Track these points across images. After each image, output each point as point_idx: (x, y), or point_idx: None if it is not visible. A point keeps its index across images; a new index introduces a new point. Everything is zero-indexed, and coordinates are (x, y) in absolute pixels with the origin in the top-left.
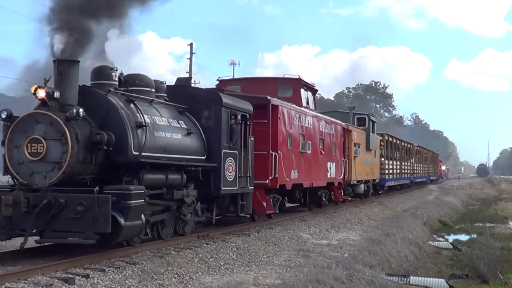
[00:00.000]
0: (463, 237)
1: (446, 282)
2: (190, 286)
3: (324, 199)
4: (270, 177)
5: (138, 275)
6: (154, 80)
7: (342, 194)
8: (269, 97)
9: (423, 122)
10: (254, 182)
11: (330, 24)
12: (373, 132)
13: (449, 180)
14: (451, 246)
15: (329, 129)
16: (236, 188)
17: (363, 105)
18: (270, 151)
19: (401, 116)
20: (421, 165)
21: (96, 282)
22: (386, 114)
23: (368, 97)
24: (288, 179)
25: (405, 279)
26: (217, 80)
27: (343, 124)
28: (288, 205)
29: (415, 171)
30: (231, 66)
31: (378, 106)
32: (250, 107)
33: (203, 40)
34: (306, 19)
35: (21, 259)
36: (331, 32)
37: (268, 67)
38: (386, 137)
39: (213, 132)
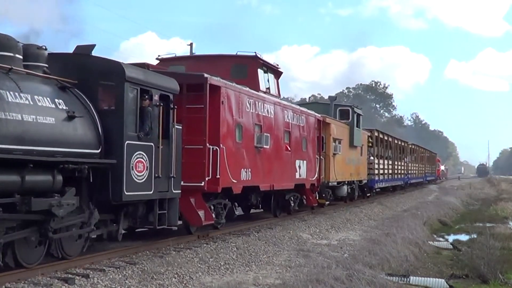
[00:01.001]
0: (463, 237)
1: (446, 282)
2: (190, 286)
3: (293, 204)
4: (207, 178)
5: (138, 275)
6: (28, 45)
7: (318, 197)
8: (206, 75)
9: (423, 122)
10: (184, 184)
11: (329, 24)
12: (358, 126)
13: (448, 181)
14: (451, 246)
15: (299, 120)
16: (150, 192)
17: (363, 105)
18: (208, 145)
19: (401, 116)
20: (417, 165)
21: (96, 282)
22: (386, 114)
23: (368, 97)
24: (235, 181)
25: (405, 279)
26: (157, 59)
27: (318, 115)
28: (257, 211)
29: (409, 171)
30: None
31: (378, 106)
32: (174, 85)
33: (202, 40)
34: (305, 19)
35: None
36: (331, 32)
37: None
38: (376, 133)
39: (113, 116)
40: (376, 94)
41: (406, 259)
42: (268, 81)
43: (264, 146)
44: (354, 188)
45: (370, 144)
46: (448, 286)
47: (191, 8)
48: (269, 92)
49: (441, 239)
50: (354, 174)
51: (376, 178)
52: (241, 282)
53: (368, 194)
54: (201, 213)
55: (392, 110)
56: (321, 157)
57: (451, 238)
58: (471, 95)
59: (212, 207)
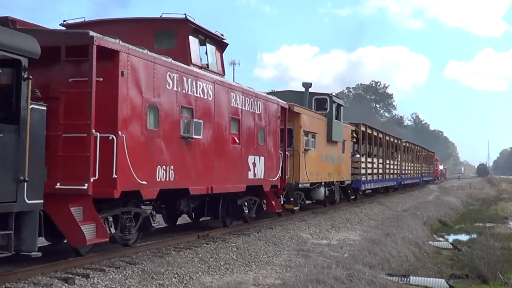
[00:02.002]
0: (463, 237)
1: (446, 282)
2: (190, 286)
3: (247, 211)
4: (92, 179)
5: (138, 275)
6: None
7: (282, 201)
8: (93, 34)
9: (423, 122)
10: (61, 187)
11: (328, 24)
12: (338, 119)
13: (447, 181)
14: (451, 246)
15: (254, 106)
16: None
17: (363, 105)
18: (94, 132)
19: (401, 116)
20: (412, 164)
21: (96, 282)
22: (386, 114)
23: (368, 97)
24: (145, 182)
25: (405, 279)
26: (61, 25)
27: (283, 102)
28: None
29: (403, 171)
30: (231, 66)
31: (378, 106)
32: (28, 45)
33: None
34: (304, 19)
35: (21, 259)
36: (330, 32)
37: (267, 66)
38: (363, 128)
39: None
40: (376, 94)
41: (406, 259)
42: (206, 53)
43: (196, 137)
44: (334, 190)
45: (355, 140)
46: (448, 286)
47: (190, 8)
48: (207, 67)
49: (441, 239)
50: (333, 173)
51: (363, 178)
52: (241, 282)
53: (352, 197)
54: (87, 228)
55: (392, 110)
56: (286, 153)
57: (451, 238)
58: (471, 95)
59: (108, 221)
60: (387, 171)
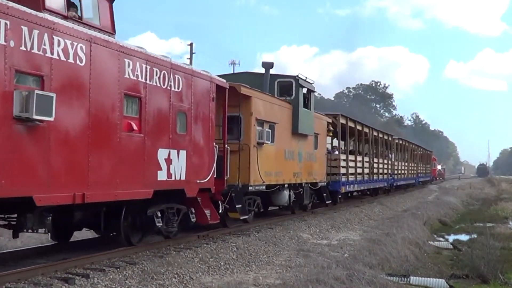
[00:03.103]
0: (463, 237)
1: (446, 282)
2: (190, 286)
3: (161, 224)
4: None
5: (138, 275)
6: None
7: (223, 209)
8: None
9: (423, 122)
10: None
11: (328, 24)
12: (308, 107)
13: (446, 181)
14: (451, 246)
15: (167, 81)
16: None
17: (364, 105)
18: None
19: (401, 116)
20: (406, 164)
21: (96, 282)
22: (386, 114)
23: (368, 97)
24: None
25: (405, 279)
26: None
27: (219, 80)
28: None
29: (396, 171)
30: (231, 66)
31: (378, 106)
32: None
33: (201, 40)
34: (303, 19)
35: (21, 259)
36: (329, 32)
37: None
38: (343, 120)
39: None
40: (376, 94)
41: (406, 259)
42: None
43: (44, 118)
44: (302, 194)
45: (331, 134)
46: (448, 286)
47: (189, 8)
48: (80, 19)
49: (441, 239)
50: (302, 174)
51: (344, 179)
52: (241, 282)
53: (328, 201)
54: None
55: (392, 110)
56: (227, 146)
57: (451, 238)
58: (471, 95)
59: None
60: (376, 170)
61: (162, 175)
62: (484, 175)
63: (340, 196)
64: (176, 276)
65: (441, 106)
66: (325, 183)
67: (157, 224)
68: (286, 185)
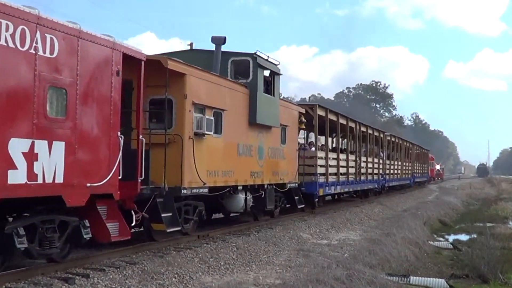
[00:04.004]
0: (463, 237)
1: (446, 282)
2: (190, 286)
3: (24, 245)
4: None
5: (138, 275)
6: None
7: (138, 219)
8: None
9: (423, 122)
10: None
11: (327, 25)
12: (270, 92)
13: (445, 182)
14: (451, 246)
15: (27, 41)
16: None
17: (364, 105)
18: None
19: (401, 116)
20: (400, 163)
21: (96, 282)
22: (386, 114)
23: (368, 97)
24: None
25: (405, 279)
26: None
27: (126, 46)
28: None
29: (387, 171)
30: None
31: (378, 106)
32: None
33: (201, 40)
34: (303, 19)
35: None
36: (329, 32)
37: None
38: (320, 112)
39: None
40: (376, 94)
41: (406, 259)
42: None
43: None
44: (265, 197)
45: (304, 127)
46: (448, 286)
47: (189, 8)
48: None
49: (441, 239)
50: (263, 173)
51: (322, 180)
52: (241, 282)
53: (301, 206)
54: None
55: (392, 110)
56: (141, 137)
57: (451, 238)
58: (470, 95)
59: None
60: (364, 170)
61: (18, 177)
62: (484, 175)
63: (317, 199)
64: (176, 276)
65: (441, 106)
66: (296, 185)
67: (19, 246)
68: (240, 187)
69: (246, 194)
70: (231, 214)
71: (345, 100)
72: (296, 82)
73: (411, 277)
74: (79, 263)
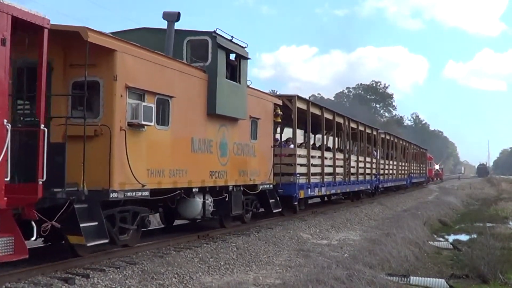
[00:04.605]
0: (463, 237)
1: (446, 282)
2: (190, 286)
3: None
4: None
5: (138, 275)
6: None
7: (36, 235)
8: None
9: (423, 122)
10: None
11: (326, 25)
12: (236, 79)
13: (444, 182)
14: (451, 246)
15: None
16: None
17: (364, 105)
18: None
19: (401, 116)
20: (395, 163)
21: (96, 282)
22: (386, 114)
23: (368, 97)
24: None
25: (405, 279)
26: None
27: (18, 8)
28: None
29: (382, 171)
30: None
31: (378, 106)
32: None
33: None
34: (302, 19)
35: (21, 259)
36: (328, 32)
37: (265, 67)
38: (301, 105)
39: None
40: (377, 94)
41: (406, 259)
42: None
43: None
44: (230, 201)
45: (280, 120)
46: (448, 286)
47: (188, 9)
48: None
49: (441, 239)
50: (227, 173)
51: (303, 181)
52: (241, 282)
53: (276, 210)
54: None
55: (392, 110)
56: (42, 127)
57: (451, 238)
58: (470, 95)
59: None
60: (354, 170)
61: None
62: (484, 175)
63: (296, 202)
64: (176, 276)
65: (441, 106)
66: (271, 186)
67: None
68: (196, 190)
69: (204, 198)
70: (198, 221)
71: (345, 100)
72: (296, 82)
73: (411, 277)
74: (79, 263)
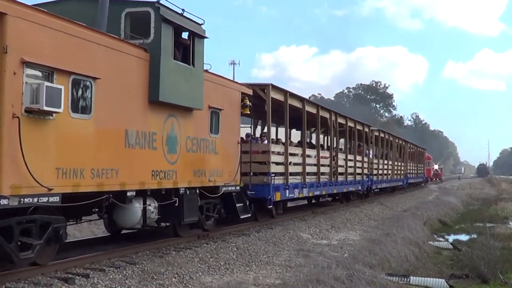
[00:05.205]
0: (463, 237)
1: (446, 282)
2: (190, 286)
3: None
4: None
5: (138, 275)
6: None
7: None
8: None
9: (423, 122)
10: None
11: (326, 25)
12: (189, 61)
13: (444, 182)
14: (451, 246)
15: None
16: None
17: (364, 105)
18: None
19: (401, 116)
20: (391, 162)
21: (96, 282)
22: (386, 114)
23: (368, 97)
24: None
25: (405, 279)
26: None
27: None
28: None
29: (375, 171)
30: (231, 66)
31: (378, 106)
32: None
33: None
34: (301, 19)
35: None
36: (328, 32)
37: (265, 67)
38: (276, 95)
39: None
40: (376, 94)
41: (406, 259)
42: None
43: None
44: (181, 206)
45: (248, 112)
46: (448, 286)
47: (188, 9)
48: None
49: (441, 239)
50: (177, 172)
51: (281, 182)
52: (241, 282)
53: (244, 216)
54: None
55: (392, 110)
56: None
57: (451, 238)
58: (470, 95)
59: None
60: (343, 170)
61: None
62: (484, 175)
63: (271, 206)
64: (176, 276)
65: (441, 106)
66: (237, 188)
67: None
68: (132, 193)
69: (145, 203)
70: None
71: (345, 100)
72: (296, 82)
73: (411, 277)
74: (79, 263)
